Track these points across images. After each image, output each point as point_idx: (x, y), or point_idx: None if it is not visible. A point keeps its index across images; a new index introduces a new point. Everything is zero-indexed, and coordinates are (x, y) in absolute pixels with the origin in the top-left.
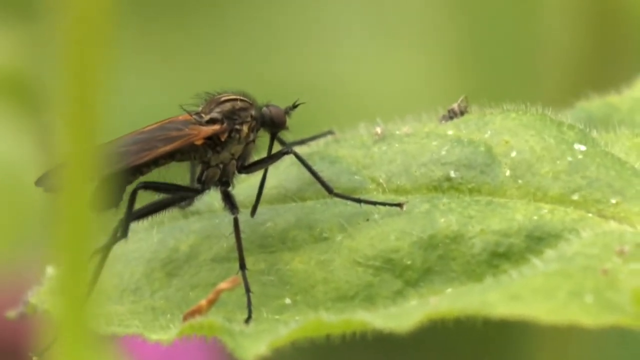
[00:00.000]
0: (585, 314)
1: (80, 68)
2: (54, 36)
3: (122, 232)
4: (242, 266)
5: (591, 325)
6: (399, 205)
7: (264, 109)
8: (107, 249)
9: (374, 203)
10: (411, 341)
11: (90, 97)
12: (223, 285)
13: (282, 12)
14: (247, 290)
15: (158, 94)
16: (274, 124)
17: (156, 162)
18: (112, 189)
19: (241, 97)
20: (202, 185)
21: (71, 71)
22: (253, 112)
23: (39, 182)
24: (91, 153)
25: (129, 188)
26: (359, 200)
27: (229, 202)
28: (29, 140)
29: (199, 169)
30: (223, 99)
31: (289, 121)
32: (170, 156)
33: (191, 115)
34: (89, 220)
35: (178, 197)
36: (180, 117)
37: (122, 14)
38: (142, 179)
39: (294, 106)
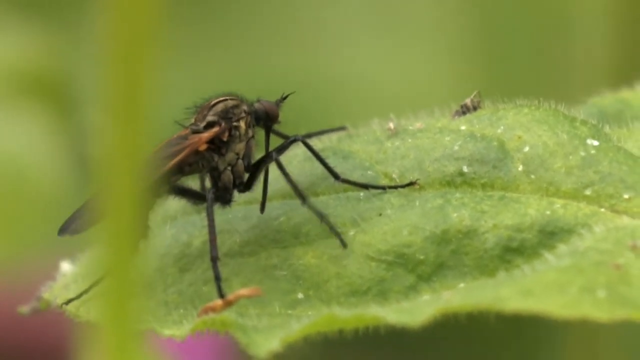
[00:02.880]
0: (598, 309)
1: (126, 67)
2: (96, 36)
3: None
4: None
5: (603, 320)
6: (412, 184)
7: (256, 104)
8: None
9: (383, 187)
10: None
11: (138, 97)
12: (244, 292)
13: (295, 8)
14: (217, 278)
15: (184, 90)
16: (268, 117)
17: (167, 180)
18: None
19: (230, 97)
20: (222, 193)
21: (117, 70)
22: (245, 108)
23: (61, 231)
24: (138, 152)
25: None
26: (366, 186)
27: (253, 180)
28: (50, 140)
29: (209, 180)
30: (213, 102)
31: (281, 114)
32: (180, 170)
33: (187, 128)
34: (133, 221)
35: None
36: (175, 135)
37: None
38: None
39: (283, 98)
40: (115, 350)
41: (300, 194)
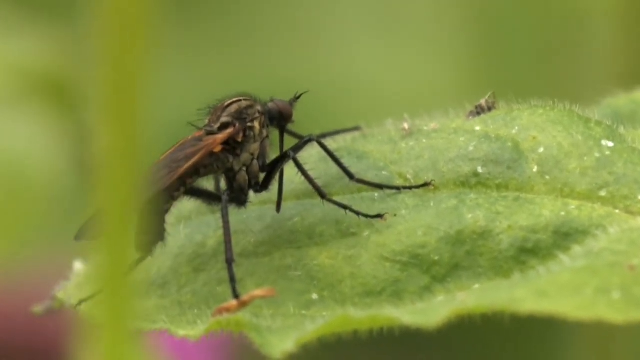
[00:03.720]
0: (613, 311)
1: (119, 67)
2: (91, 36)
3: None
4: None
5: (618, 322)
6: (427, 184)
7: (270, 103)
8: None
9: (397, 188)
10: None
11: (131, 97)
12: (258, 292)
13: (295, 8)
14: (232, 280)
15: (187, 91)
16: (282, 117)
17: (183, 182)
18: (152, 223)
19: (243, 97)
20: (237, 194)
21: (110, 71)
22: (259, 108)
23: (78, 236)
24: (132, 148)
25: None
26: (380, 187)
27: (269, 180)
28: (57, 140)
29: (224, 181)
30: (227, 103)
31: (294, 114)
32: (195, 172)
33: (201, 129)
34: (128, 221)
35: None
36: (190, 137)
37: (158, 13)
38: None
39: (297, 97)
40: (111, 351)
41: (319, 190)
